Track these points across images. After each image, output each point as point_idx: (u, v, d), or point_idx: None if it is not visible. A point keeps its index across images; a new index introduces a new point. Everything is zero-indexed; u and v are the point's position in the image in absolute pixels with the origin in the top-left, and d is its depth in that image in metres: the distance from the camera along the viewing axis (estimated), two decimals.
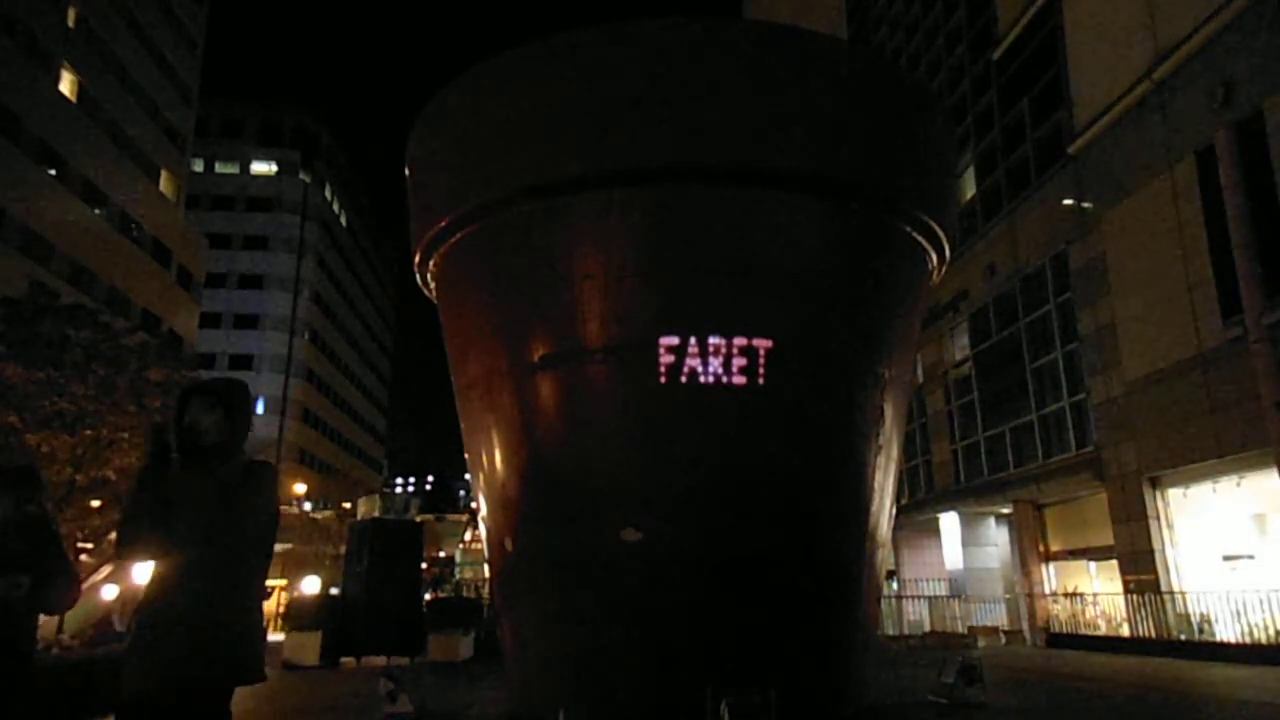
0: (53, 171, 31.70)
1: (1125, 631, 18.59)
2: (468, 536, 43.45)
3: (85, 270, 32.84)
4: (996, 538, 25.14)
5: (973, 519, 25.11)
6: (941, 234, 10.06)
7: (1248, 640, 15.42)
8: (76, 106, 33.40)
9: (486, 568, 17.27)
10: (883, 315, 9.60)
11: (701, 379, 8.35)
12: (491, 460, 9.67)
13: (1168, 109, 17.68)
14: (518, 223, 9.12)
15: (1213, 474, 16.94)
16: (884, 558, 10.11)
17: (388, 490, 67.95)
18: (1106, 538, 19.46)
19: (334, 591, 29.73)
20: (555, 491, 8.95)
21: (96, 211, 34.72)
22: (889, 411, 9.62)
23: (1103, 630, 19.89)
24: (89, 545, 21.37)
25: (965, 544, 24.87)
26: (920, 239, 9.84)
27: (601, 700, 8.48)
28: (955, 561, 25.07)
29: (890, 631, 23.93)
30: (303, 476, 53.55)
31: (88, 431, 18.88)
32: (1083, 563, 21.90)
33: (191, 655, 2.88)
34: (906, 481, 28.25)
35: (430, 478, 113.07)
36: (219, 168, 61.92)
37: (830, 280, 9.15)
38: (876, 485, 9.46)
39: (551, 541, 9.01)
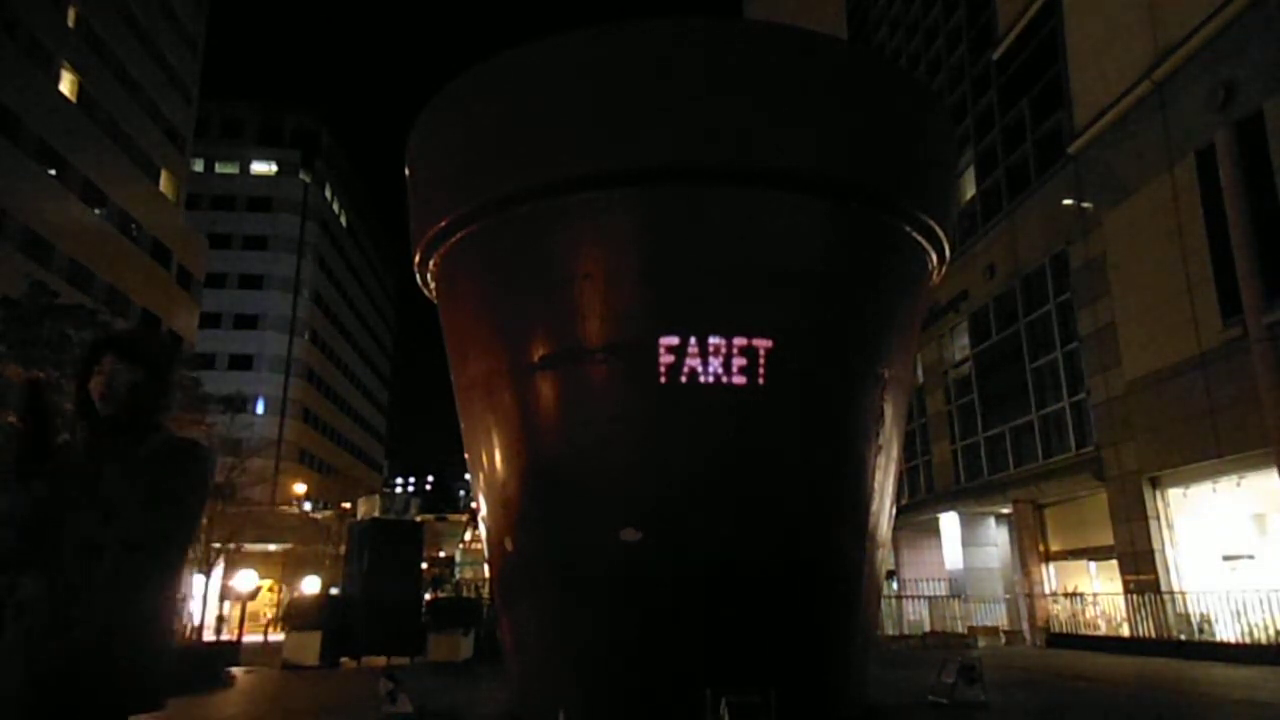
0: (53, 171, 31.69)
1: (1125, 631, 18.60)
2: (468, 536, 43.41)
3: (85, 270, 32.83)
4: (996, 538, 25.14)
5: (973, 519, 25.11)
6: (941, 234, 10.05)
7: (1248, 640, 15.42)
8: (76, 106, 33.39)
9: (486, 568, 17.27)
10: (883, 315, 9.59)
11: (701, 379, 8.35)
12: (491, 460, 9.67)
13: (1168, 109, 17.68)
14: (518, 223, 9.12)
15: (1213, 474, 16.94)
16: (884, 558, 10.11)
17: (388, 490, 67.96)
18: (1106, 538, 19.47)
19: (334, 591, 29.76)
20: (555, 491, 8.95)
21: (96, 211, 34.71)
22: (889, 411, 9.61)
23: (1103, 630, 19.89)
24: None
25: (965, 544, 24.87)
26: (920, 239, 9.83)
27: (601, 700, 8.48)
28: (955, 561, 25.08)
29: (890, 631, 23.94)
30: (303, 476, 53.55)
31: None
32: (1083, 563, 21.91)
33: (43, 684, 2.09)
34: (906, 481, 28.25)
35: (430, 478, 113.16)
36: (219, 168, 61.89)
37: (830, 280, 9.14)
38: (876, 485, 9.45)
39: (551, 541, 9.01)
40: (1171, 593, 17.35)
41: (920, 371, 27.06)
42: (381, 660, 18.63)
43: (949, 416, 26.27)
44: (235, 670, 16.87)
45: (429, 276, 10.95)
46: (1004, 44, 24.36)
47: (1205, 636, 16.44)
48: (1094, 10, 20.57)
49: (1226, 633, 16.05)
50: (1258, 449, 14.87)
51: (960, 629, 23.02)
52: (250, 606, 35.44)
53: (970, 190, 26.05)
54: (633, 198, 8.76)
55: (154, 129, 39.84)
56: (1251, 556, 16.81)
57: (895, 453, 10.00)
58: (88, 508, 2.21)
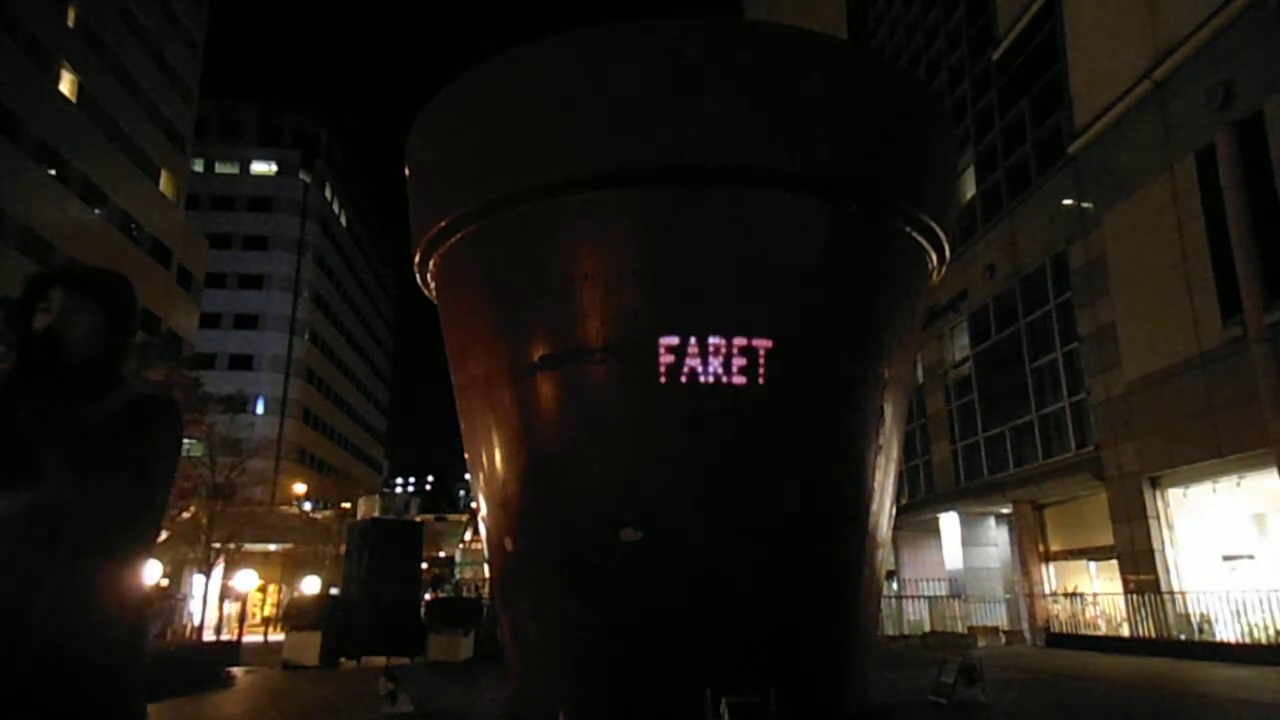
0: (53, 171, 31.70)
1: (1125, 631, 18.60)
2: (468, 536, 43.43)
3: None
4: (996, 538, 25.14)
5: (973, 519, 25.11)
6: (941, 234, 10.06)
7: (1248, 640, 15.42)
8: (76, 106, 33.40)
9: (486, 568, 17.27)
10: (883, 316, 9.59)
11: (701, 379, 8.35)
12: (491, 460, 9.67)
13: (1168, 109, 17.68)
14: (517, 223, 9.12)
15: (1213, 474, 16.94)
16: (884, 558, 10.11)
17: (388, 490, 68.03)
18: (1106, 538, 19.47)
19: (334, 591, 29.76)
20: (555, 491, 8.95)
21: (96, 211, 34.71)
22: (889, 411, 9.61)
23: (1103, 630, 19.90)
24: None
25: (965, 544, 24.87)
26: (920, 239, 9.84)
27: (601, 700, 8.48)
28: (955, 561, 25.07)
29: (890, 631, 23.95)
30: (303, 476, 53.56)
31: None
32: (1083, 563, 21.91)
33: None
34: (906, 481, 28.25)
35: (430, 478, 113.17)
36: (219, 168, 61.91)
37: (830, 280, 9.15)
38: (877, 485, 9.45)
39: (551, 541, 9.01)
40: (1171, 593, 17.35)
41: (920, 371, 27.06)
42: (381, 660, 18.63)
43: (949, 416, 26.28)
44: (235, 670, 16.87)
45: (429, 276, 10.95)
46: (1004, 44, 24.36)
47: (1205, 636, 16.43)
48: (1094, 10, 20.57)
49: (1226, 633, 16.05)
50: (1258, 449, 14.87)
51: (960, 629, 23.02)
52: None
53: (970, 190, 26.05)
54: (633, 198, 8.76)
55: (154, 129, 39.85)
56: (1251, 556, 16.81)
57: (895, 453, 10.00)
58: (23, 482, 1.77)
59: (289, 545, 40.88)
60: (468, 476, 15.43)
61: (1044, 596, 22.15)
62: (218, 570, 32.38)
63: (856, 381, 9.25)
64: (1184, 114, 17.21)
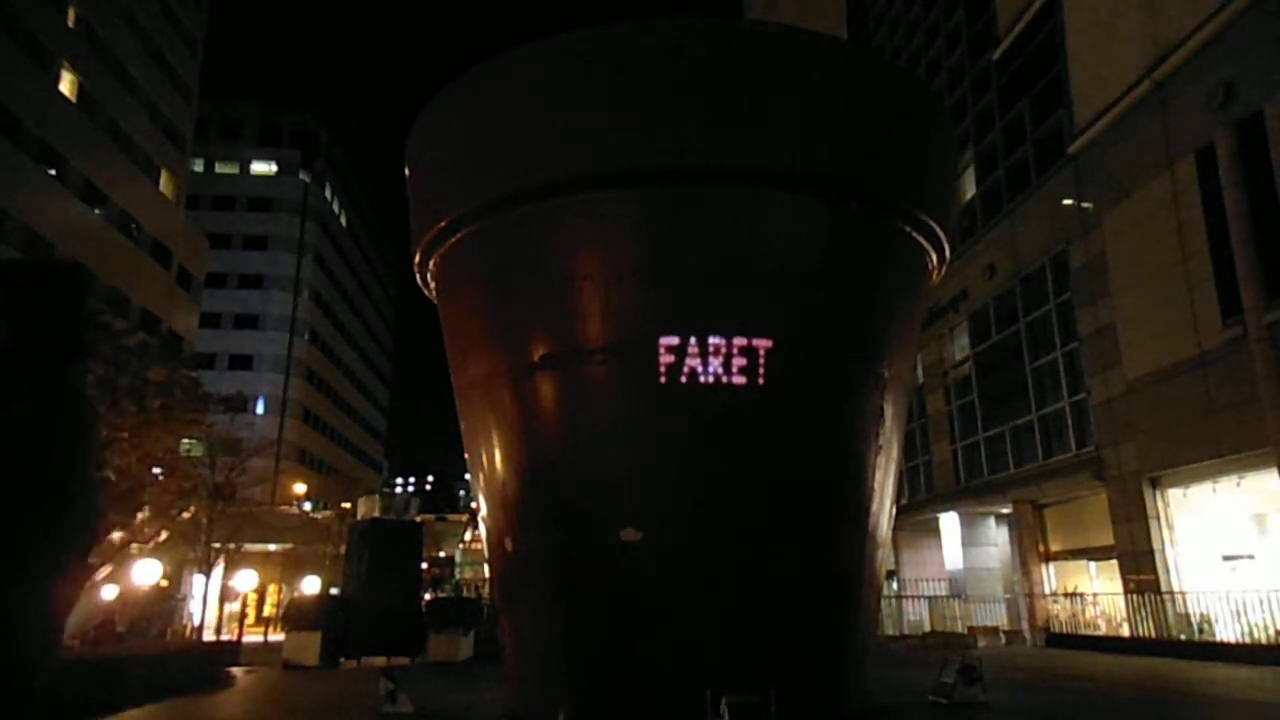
0: (53, 171, 31.69)
1: (1125, 631, 18.59)
2: (468, 536, 43.46)
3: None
4: (996, 538, 25.14)
5: (973, 519, 25.10)
6: (941, 234, 10.06)
7: (1248, 640, 15.42)
8: (76, 106, 33.38)
9: (486, 568, 17.27)
10: (883, 315, 9.59)
11: (701, 379, 8.35)
12: (491, 460, 9.67)
13: (1168, 109, 17.68)
14: (517, 223, 9.12)
15: (1213, 474, 16.94)
16: (884, 558, 10.11)
17: (388, 490, 68.04)
18: (1106, 538, 19.46)
19: (334, 591, 29.76)
20: (555, 492, 8.95)
21: (96, 211, 34.70)
22: (889, 411, 9.61)
23: (1103, 630, 19.89)
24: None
25: (965, 544, 24.87)
26: (920, 239, 9.84)
27: (601, 700, 8.48)
28: (955, 561, 25.07)
29: (890, 631, 23.94)
30: (303, 476, 53.56)
31: None
32: (1083, 563, 21.90)
33: None
34: (906, 481, 28.25)
35: (430, 478, 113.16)
36: (219, 168, 61.89)
37: (830, 280, 9.14)
38: (876, 485, 9.46)
39: (551, 541, 9.01)
40: (1171, 593, 17.34)
41: (920, 371, 27.06)
42: (381, 660, 18.62)
43: (949, 416, 26.27)
44: (235, 670, 16.87)
45: (429, 276, 10.95)
46: (1004, 44, 24.36)
47: (1205, 636, 16.43)
48: (1094, 10, 20.56)
49: (1226, 633, 16.05)
50: (1258, 449, 14.87)
51: (960, 629, 23.01)
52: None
53: (970, 190, 26.04)
54: (633, 198, 8.76)
55: (154, 129, 39.83)
56: (1251, 556, 16.81)
57: (895, 453, 10.00)
58: None
59: (289, 545, 40.88)
60: (468, 476, 15.43)
61: (1044, 596, 22.15)
62: (218, 570, 32.36)
63: (856, 381, 9.25)
64: (1184, 114, 17.21)
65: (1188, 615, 16.97)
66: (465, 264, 9.98)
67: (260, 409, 55.49)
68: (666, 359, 8.37)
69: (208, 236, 48.58)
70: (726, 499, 8.45)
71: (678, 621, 8.30)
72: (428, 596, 27.54)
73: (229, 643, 20.72)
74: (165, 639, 26.13)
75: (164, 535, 26.20)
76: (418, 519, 25.95)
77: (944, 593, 25.13)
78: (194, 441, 30.36)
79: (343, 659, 19.00)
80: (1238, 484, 16.80)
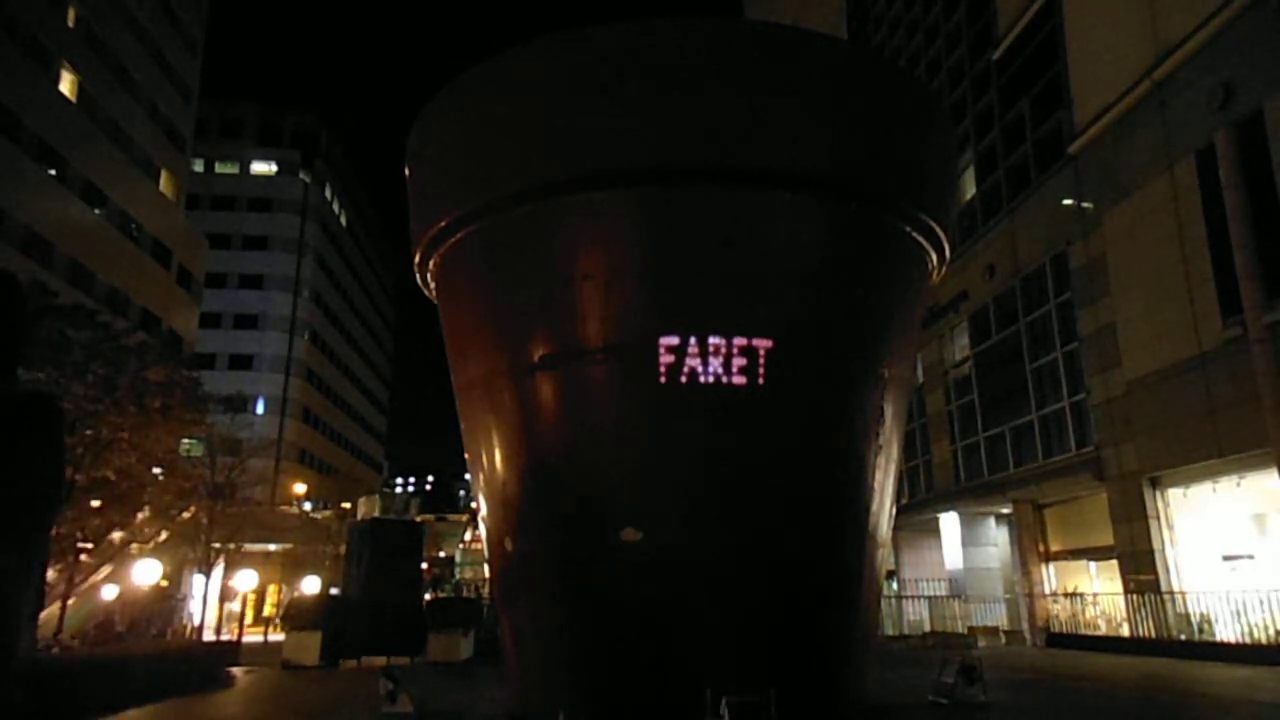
0: (53, 171, 31.68)
1: (1125, 631, 18.59)
2: (468, 536, 43.46)
3: (85, 270, 32.82)
4: (996, 538, 25.14)
5: (973, 519, 25.10)
6: (941, 234, 10.06)
7: (1248, 640, 15.42)
8: (76, 106, 33.38)
9: (486, 568, 17.26)
10: (883, 315, 9.59)
11: (701, 379, 8.35)
12: (491, 460, 9.67)
13: (1168, 109, 17.68)
14: (518, 223, 9.11)
15: (1213, 474, 16.94)
16: (884, 558, 10.11)
17: (388, 490, 68.01)
18: (1106, 538, 19.46)
19: (334, 591, 29.77)
20: (555, 491, 8.95)
21: (96, 211, 34.69)
22: (889, 411, 9.61)
23: (1103, 630, 19.89)
24: (89, 545, 21.37)
25: (965, 544, 24.87)
26: (920, 239, 9.84)
27: (601, 700, 8.48)
28: (955, 561, 25.07)
29: (890, 631, 23.94)
30: (303, 476, 53.56)
31: (88, 432, 18.86)
32: (1083, 563, 21.90)
33: None
34: (906, 481, 28.25)
35: (430, 478, 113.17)
36: (219, 168, 61.89)
37: (830, 280, 9.14)
38: (876, 485, 9.45)
39: (551, 541, 9.01)
40: (1171, 593, 17.35)
41: (920, 371, 27.05)
42: (381, 660, 18.62)
43: (949, 416, 26.27)
44: (235, 670, 16.87)
45: (429, 276, 10.95)
46: (1004, 44, 24.36)
47: (1205, 636, 16.43)
48: (1094, 10, 20.56)
49: (1226, 633, 16.05)
50: (1258, 449, 14.87)
51: (960, 629, 23.01)
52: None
53: (970, 190, 26.04)
54: (633, 198, 8.76)
55: (154, 129, 39.82)
56: (1251, 556, 16.81)
57: (895, 453, 10.00)
58: None
59: (289, 545, 40.90)
60: (468, 476, 15.43)
61: (1044, 596, 22.15)
62: (218, 570, 32.37)
63: (856, 381, 9.25)
64: (1184, 114, 17.22)
65: (1188, 615, 16.98)
66: (465, 264, 9.98)
67: (260, 409, 55.48)
68: (666, 359, 8.37)
69: (208, 236, 48.58)
70: (726, 499, 8.45)
71: (678, 621, 8.30)
72: (428, 596, 27.52)
73: (229, 643, 20.74)
74: (165, 639, 26.14)
75: (164, 535, 26.23)
76: (418, 519, 25.96)
77: (944, 593, 25.13)
78: (194, 441, 30.39)
79: (343, 659, 18.99)
80: (1238, 484, 16.81)
